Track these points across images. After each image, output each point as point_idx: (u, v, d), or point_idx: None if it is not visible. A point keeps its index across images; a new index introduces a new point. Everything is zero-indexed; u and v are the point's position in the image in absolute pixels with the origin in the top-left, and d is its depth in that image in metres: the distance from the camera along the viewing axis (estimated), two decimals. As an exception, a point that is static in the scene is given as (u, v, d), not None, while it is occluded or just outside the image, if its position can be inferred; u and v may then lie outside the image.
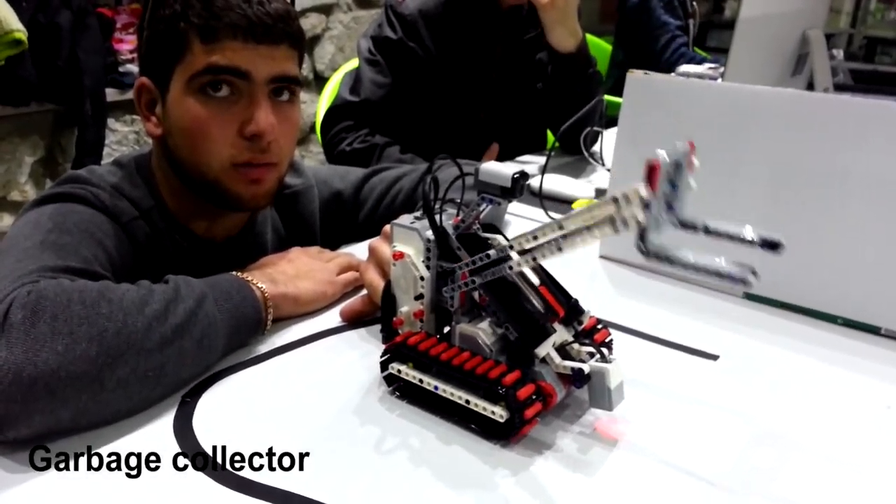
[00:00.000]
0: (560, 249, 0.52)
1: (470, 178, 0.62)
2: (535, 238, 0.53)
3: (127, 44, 2.38)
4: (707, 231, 0.49)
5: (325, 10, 2.82)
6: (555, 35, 1.32)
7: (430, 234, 0.62)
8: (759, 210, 0.82)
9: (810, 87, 1.35)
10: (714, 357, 0.72)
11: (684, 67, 1.86)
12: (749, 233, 0.48)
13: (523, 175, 0.58)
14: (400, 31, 1.41)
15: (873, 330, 0.77)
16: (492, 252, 0.57)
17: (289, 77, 0.78)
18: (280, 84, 0.77)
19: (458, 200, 0.64)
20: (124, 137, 2.36)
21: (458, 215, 0.63)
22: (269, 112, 0.76)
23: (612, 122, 1.49)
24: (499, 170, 0.59)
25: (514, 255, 0.56)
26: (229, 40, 0.74)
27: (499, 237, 0.62)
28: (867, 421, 0.63)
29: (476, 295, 0.62)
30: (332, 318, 0.77)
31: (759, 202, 0.82)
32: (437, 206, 0.61)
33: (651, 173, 0.45)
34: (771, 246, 0.47)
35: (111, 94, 2.19)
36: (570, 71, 1.37)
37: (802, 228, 0.79)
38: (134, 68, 2.30)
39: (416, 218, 0.64)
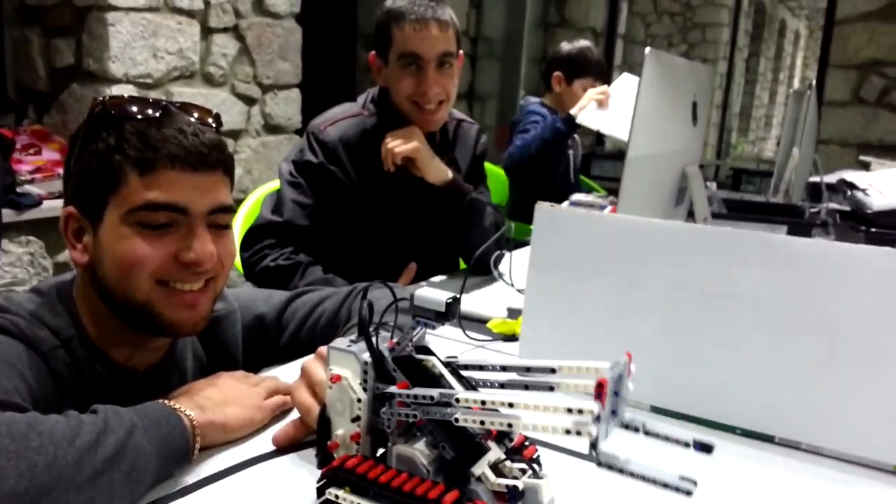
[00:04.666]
0: (510, 426, 0.56)
1: (403, 303, 0.66)
2: (484, 405, 0.57)
3: (27, 164, 2.33)
4: (646, 433, 0.55)
5: (234, 135, 2.88)
6: (427, 177, 1.49)
7: (366, 356, 0.64)
8: (657, 328, 0.90)
9: (691, 215, 1.50)
10: (631, 469, 0.77)
11: (576, 197, 2.01)
12: (684, 436, 0.54)
13: (456, 300, 0.63)
14: (321, 155, 1.47)
15: (768, 439, 0.85)
16: (435, 394, 0.59)
17: (225, 207, 0.81)
18: (216, 214, 0.80)
19: (392, 324, 0.68)
20: (18, 259, 2.27)
21: (392, 338, 0.66)
22: (208, 240, 0.78)
23: (518, 244, 1.59)
24: (433, 296, 0.63)
25: (459, 400, 0.58)
26: (166, 171, 0.76)
27: (432, 358, 0.65)
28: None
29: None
30: (260, 443, 0.77)
31: (656, 321, 0.90)
32: (372, 329, 0.64)
33: (599, 389, 0.52)
34: (704, 448, 0.53)
35: (7, 215, 2.12)
36: (445, 199, 1.51)
37: (699, 346, 0.88)
38: (33, 189, 2.25)
39: (352, 341, 0.67)
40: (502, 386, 0.64)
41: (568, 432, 0.53)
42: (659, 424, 0.55)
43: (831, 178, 2.63)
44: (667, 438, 0.54)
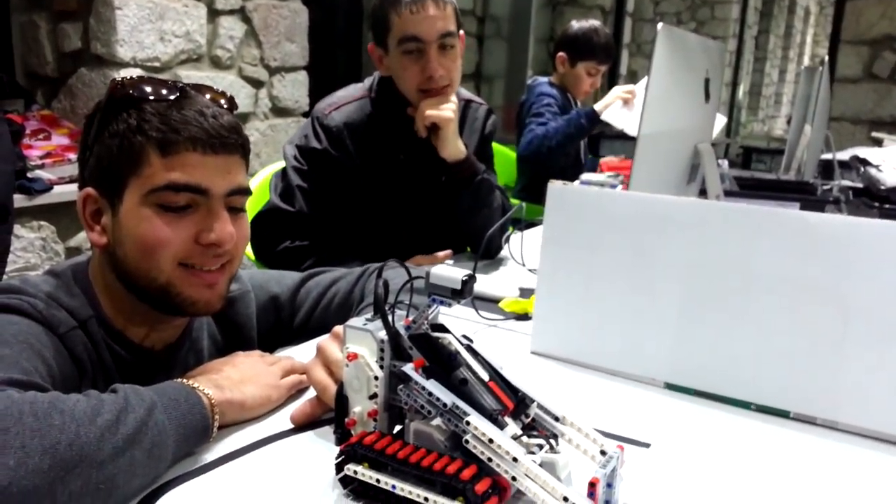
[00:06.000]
0: (513, 479, 0.57)
1: (419, 280, 0.66)
2: (492, 443, 0.57)
3: (37, 149, 2.34)
4: None
5: (243, 118, 2.88)
6: (442, 150, 1.47)
7: (383, 335, 0.65)
8: (671, 306, 0.90)
9: (703, 193, 1.49)
10: (646, 445, 0.77)
11: (586, 176, 2.01)
12: None
13: (471, 278, 0.63)
14: (325, 141, 1.47)
15: (783, 414, 0.85)
16: (448, 402, 0.59)
17: (242, 189, 0.81)
18: (235, 196, 0.81)
19: (408, 302, 0.68)
20: (30, 244, 2.28)
21: (407, 316, 0.66)
22: (228, 222, 0.78)
23: (528, 224, 1.59)
24: (449, 273, 0.63)
25: (469, 423, 0.59)
26: (188, 153, 0.77)
27: (448, 336, 0.66)
28: (791, 501, 0.69)
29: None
30: (278, 422, 0.77)
31: (673, 298, 0.90)
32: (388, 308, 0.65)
33: (591, 488, 0.56)
34: None
35: (19, 200, 2.13)
36: (457, 176, 1.49)
37: (714, 322, 0.88)
38: (43, 174, 2.25)
39: (368, 320, 0.67)
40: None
41: None
42: None
43: (843, 155, 2.62)
44: None
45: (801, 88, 2.33)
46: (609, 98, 2.55)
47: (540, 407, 0.65)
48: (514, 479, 0.57)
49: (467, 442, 0.58)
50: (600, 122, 2.54)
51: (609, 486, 0.58)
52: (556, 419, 0.65)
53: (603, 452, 0.61)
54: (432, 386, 0.60)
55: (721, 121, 2.39)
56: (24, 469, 0.52)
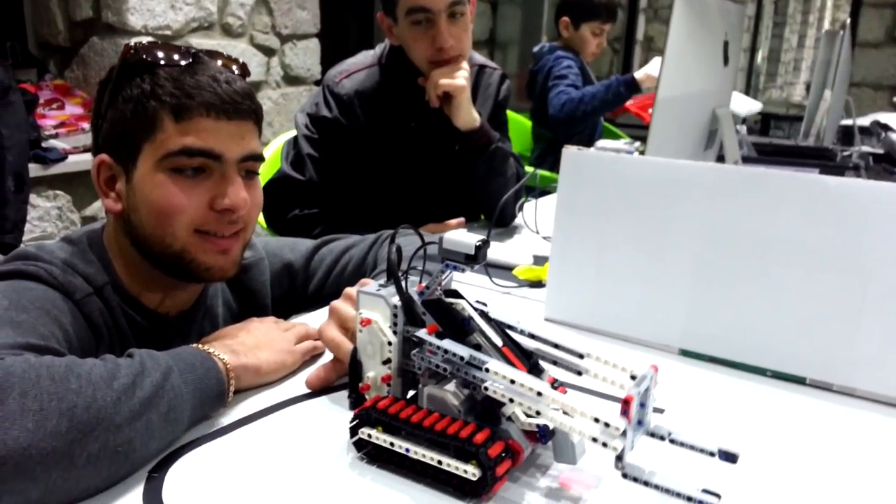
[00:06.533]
0: (538, 413, 0.57)
1: (432, 247, 0.66)
2: (513, 383, 0.57)
3: (50, 119, 2.34)
4: (672, 441, 0.55)
5: (255, 87, 2.86)
6: (456, 119, 1.45)
7: (396, 300, 0.65)
8: (687, 271, 0.89)
9: (721, 159, 1.47)
10: (661, 410, 0.77)
11: (601, 143, 1.99)
12: (709, 445, 0.54)
13: (485, 243, 0.63)
14: (336, 110, 1.46)
15: (799, 380, 0.84)
16: (465, 355, 0.59)
17: (255, 155, 0.81)
18: (248, 162, 0.80)
19: (421, 268, 0.68)
20: (46, 213, 2.30)
21: (420, 282, 0.66)
22: (241, 187, 0.78)
23: (542, 192, 1.58)
24: (462, 239, 0.63)
25: (489, 370, 0.58)
26: (201, 118, 0.76)
27: (462, 301, 0.65)
28: (808, 466, 0.69)
29: (442, 358, 0.64)
30: (292, 387, 0.78)
31: (686, 264, 0.89)
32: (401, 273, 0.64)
33: (625, 406, 0.53)
34: (728, 458, 0.53)
35: (34, 170, 2.14)
36: (472, 145, 1.47)
37: (729, 288, 0.87)
38: (58, 143, 2.26)
39: (382, 286, 0.67)
40: (532, 336, 0.65)
41: (595, 440, 0.54)
42: (683, 432, 0.56)
43: (864, 121, 2.57)
44: (692, 447, 0.55)
45: (822, 53, 2.28)
46: (651, 67, 2.54)
47: (560, 347, 0.63)
48: (538, 413, 0.56)
49: (486, 389, 0.58)
50: (639, 90, 2.52)
51: (642, 405, 0.55)
52: (581, 356, 0.62)
53: (633, 377, 0.59)
54: (448, 344, 0.60)
55: (755, 106, 2.40)
56: (42, 431, 0.53)
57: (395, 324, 0.65)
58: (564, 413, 0.56)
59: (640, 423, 0.55)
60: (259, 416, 0.71)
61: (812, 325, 0.82)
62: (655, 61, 2.56)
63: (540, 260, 1.20)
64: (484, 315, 0.65)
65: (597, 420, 0.54)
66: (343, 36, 3.53)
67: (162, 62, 0.77)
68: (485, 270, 1.10)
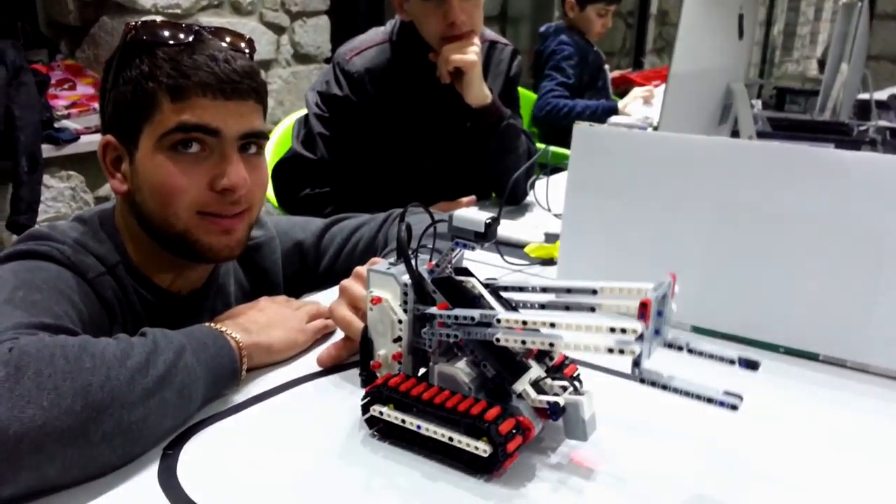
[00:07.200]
0: (551, 345, 0.57)
1: (442, 225, 0.65)
2: (525, 325, 0.57)
3: (62, 99, 2.35)
4: (690, 351, 0.54)
5: (265, 66, 2.85)
6: (467, 95, 1.44)
7: (406, 278, 0.65)
8: (700, 248, 0.88)
9: (735, 134, 1.45)
10: (672, 387, 0.77)
11: (613, 119, 1.98)
12: (729, 353, 0.53)
13: (495, 220, 0.62)
14: (346, 87, 1.45)
15: (812, 357, 0.84)
16: (476, 315, 0.60)
17: (257, 132, 0.80)
18: (249, 139, 0.80)
19: (431, 246, 0.67)
20: (59, 194, 2.31)
21: (430, 260, 0.66)
22: (241, 166, 0.78)
23: (554, 169, 1.57)
24: (472, 216, 0.62)
25: (500, 320, 0.59)
26: (198, 98, 0.76)
27: (472, 279, 0.65)
28: (821, 443, 0.68)
29: (453, 335, 0.64)
30: (304, 365, 0.78)
31: (699, 240, 0.88)
32: (411, 252, 0.64)
33: (643, 309, 0.51)
34: (749, 365, 0.53)
35: (47, 151, 2.15)
36: (483, 122, 1.47)
37: (742, 264, 0.86)
38: (70, 124, 2.27)
39: (392, 264, 0.67)
40: (542, 307, 0.64)
41: (611, 351, 0.53)
42: (702, 343, 0.54)
43: (882, 95, 2.53)
44: (711, 356, 0.54)
45: (839, 25, 2.23)
46: (629, 98, 2.74)
47: (573, 290, 0.61)
48: (552, 345, 0.57)
49: (498, 340, 0.58)
50: (618, 115, 2.67)
51: (660, 313, 0.53)
52: (594, 291, 0.59)
53: None
54: (458, 310, 0.61)
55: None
56: (57, 410, 0.53)
57: (405, 302, 0.65)
58: (581, 330, 0.55)
59: (657, 332, 0.53)
60: (271, 393, 0.72)
61: (826, 301, 0.82)
62: (634, 91, 2.77)
63: (552, 238, 1.20)
64: (494, 293, 0.65)
65: (612, 329, 0.52)
66: (353, 12, 3.50)
67: (161, 41, 0.77)
68: (496, 248, 1.09)
